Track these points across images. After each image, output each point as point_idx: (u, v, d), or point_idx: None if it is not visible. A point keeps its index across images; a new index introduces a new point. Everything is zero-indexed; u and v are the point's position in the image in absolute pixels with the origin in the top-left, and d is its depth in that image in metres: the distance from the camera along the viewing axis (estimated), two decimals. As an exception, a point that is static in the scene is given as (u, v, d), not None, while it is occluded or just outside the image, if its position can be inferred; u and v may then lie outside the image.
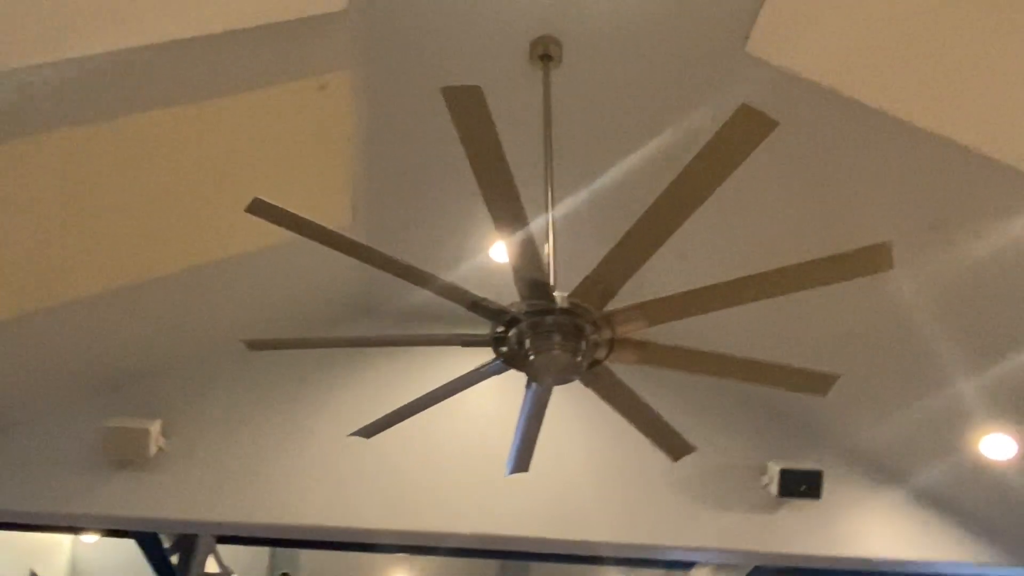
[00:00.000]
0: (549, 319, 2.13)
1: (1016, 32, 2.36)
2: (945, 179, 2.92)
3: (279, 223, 1.96)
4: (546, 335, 2.13)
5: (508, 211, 1.83)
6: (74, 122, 2.77)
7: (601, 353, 2.27)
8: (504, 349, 2.27)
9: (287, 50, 2.93)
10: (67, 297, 3.39)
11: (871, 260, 1.95)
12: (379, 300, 4.37)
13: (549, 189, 2.64)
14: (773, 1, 2.68)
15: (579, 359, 2.17)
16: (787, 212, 3.36)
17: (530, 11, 2.84)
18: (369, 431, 2.70)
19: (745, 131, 1.66)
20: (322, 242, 2.00)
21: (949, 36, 2.53)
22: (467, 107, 1.63)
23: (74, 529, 4.20)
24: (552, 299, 2.13)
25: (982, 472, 3.81)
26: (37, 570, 6.25)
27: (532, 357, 2.16)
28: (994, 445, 3.70)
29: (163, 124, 2.96)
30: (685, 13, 2.81)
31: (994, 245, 3.03)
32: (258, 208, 1.91)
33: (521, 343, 2.19)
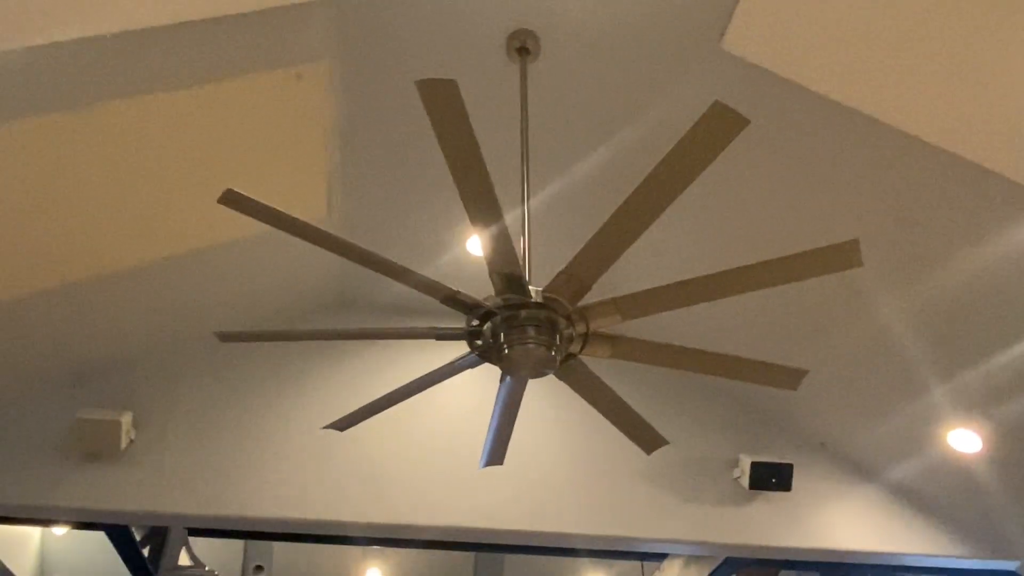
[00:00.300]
0: (523, 313, 2.14)
1: (989, 32, 2.40)
2: (915, 177, 2.96)
3: (252, 215, 1.95)
4: (520, 329, 2.14)
5: (483, 205, 1.84)
6: (46, 109, 2.73)
7: (575, 347, 2.28)
8: (479, 343, 2.27)
9: (265, 39, 2.91)
10: (37, 287, 3.35)
11: (840, 257, 1.98)
12: (355, 293, 4.36)
13: (525, 183, 2.64)
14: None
15: (553, 353, 2.17)
16: (760, 208, 3.39)
17: (508, 4, 2.85)
18: (343, 424, 2.69)
19: (717, 128, 1.68)
20: (296, 234, 1.99)
21: (922, 36, 2.56)
22: (442, 101, 1.63)
23: (44, 521, 4.14)
24: (527, 293, 2.13)
25: (950, 466, 3.88)
26: (5, 563, 6.17)
27: (506, 351, 2.16)
28: (961, 439, 3.76)
29: (138, 112, 2.92)
30: (662, 8, 2.83)
31: (962, 244, 3.08)
32: (231, 199, 1.89)
33: (496, 337, 2.19)
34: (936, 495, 4.09)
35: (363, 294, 4.32)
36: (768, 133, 3.03)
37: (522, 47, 2.96)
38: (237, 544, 7.84)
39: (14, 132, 2.69)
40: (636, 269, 3.32)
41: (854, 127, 2.86)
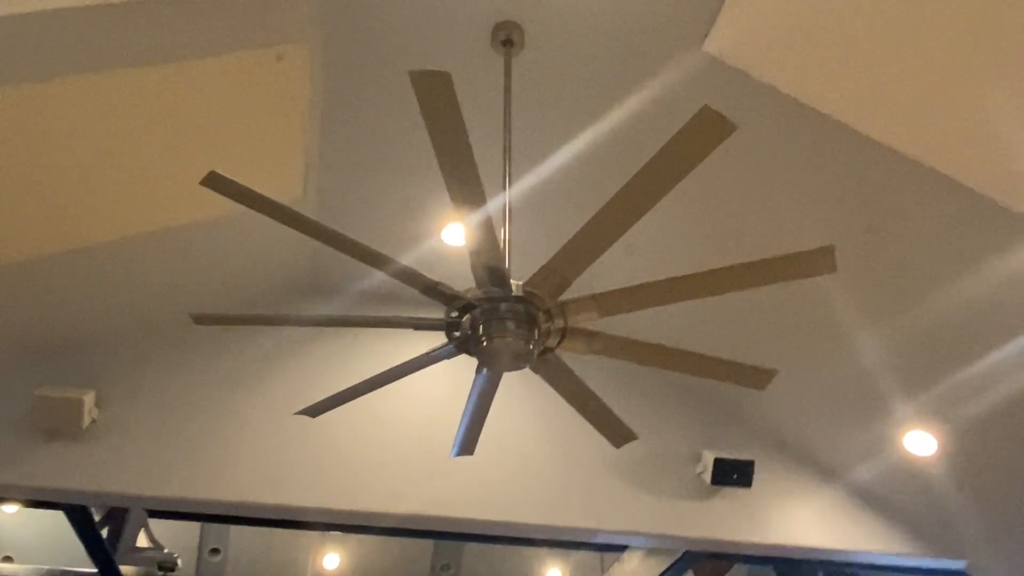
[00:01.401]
0: (504, 306, 2.16)
1: (969, 47, 2.46)
2: (886, 187, 3.03)
3: (235, 198, 1.93)
4: (500, 322, 2.16)
5: (470, 199, 1.84)
6: (17, 80, 2.67)
7: (552, 341, 2.30)
8: (457, 334, 2.28)
9: (246, 17, 2.87)
10: (2, 261, 3.27)
11: (816, 263, 2.03)
12: (328, 279, 4.33)
13: (506, 175, 2.65)
14: (734, 2, 2.73)
15: (531, 347, 2.20)
16: (735, 211, 3.44)
17: (493, -5, 2.84)
18: (315, 410, 2.69)
19: (705, 132, 1.71)
20: (279, 219, 1.98)
21: (902, 48, 2.61)
22: (435, 93, 1.63)
23: (5, 499, 4.06)
24: (508, 287, 2.15)
25: (906, 467, 3.99)
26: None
27: (485, 343, 2.18)
28: (917, 442, 3.87)
29: (115, 86, 2.87)
30: (646, 6, 2.84)
31: (928, 253, 3.17)
32: (214, 182, 1.88)
33: (475, 329, 2.21)
34: (891, 495, 4.20)
35: (337, 279, 4.29)
36: (746, 137, 3.06)
37: (507, 39, 2.96)
38: (194, 527, 7.76)
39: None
40: (610, 267, 3.35)
41: (830, 134, 2.91)
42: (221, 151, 3.32)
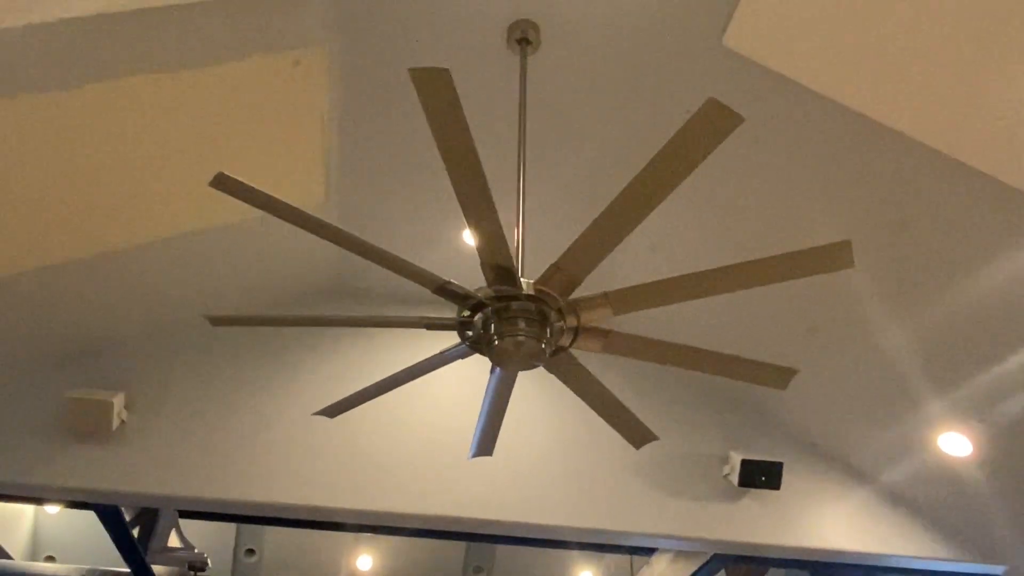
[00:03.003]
0: (514, 305, 2.14)
1: (989, 36, 2.39)
2: (910, 180, 2.95)
3: (243, 198, 1.94)
4: (511, 321, 2.14)
5: (474, 195, 1.83)
6: (41, 88, 2.72)
7: (566, 340, 2.28)
8: (469, 333, 2.27)
9: (262, 23, 2.89)
10: (32, 265, 3.35)
11: (832, 257, 1.98)
12: (350, 281, 4.36)
13: (521, 174, 2.63)
14: (751, -6, 2.69)
15: (543, 346, 2.18)
16: (755, 206, 3.38)
17: (509, -6, 2.83)
18: (333, 411, 2.69)
19: (711, 125, 1.67)
20: (286, 219, 1.98)
21: (923, 38, 2.55)
22: (435, 89, 1.62)
23: (35, 499, 4.15)
24: (518, 285, 2.13)
25: (939, 469, 3.89)
26: (-2, 539, 6.19)
27: (496, 342, 2.16)
28: (951, 443, 3.76)
29: (134, 93, 2.91)
30: (664, 2, 2.81)
31: (957, 248, 3.08)
32: (222, 183, 1.89)
33: (486, 328, 2.19)
34: (926, 497, 4.10)
35: (358, 282, 4.32)
36: (766, 131, 3.02)
37: (523, 38, 2.94)
38: (230, 528, 7.86)
39: (7, 111, 2.68)
40: (629, 265, 3.32)
41: (852, 127, 2.85)
42: (242, 157, 3.36)
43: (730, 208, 3.44)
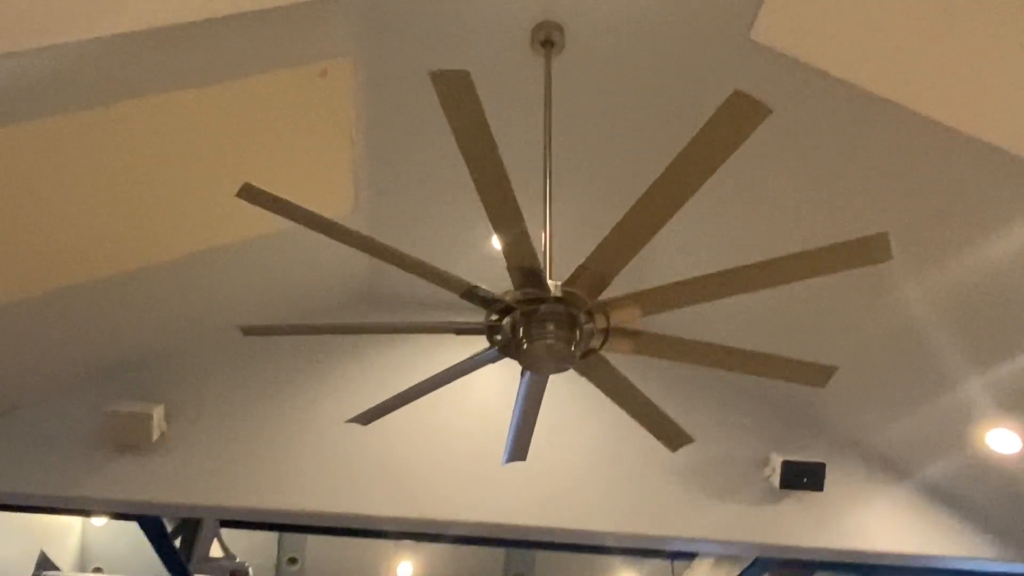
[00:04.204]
0: (542, 308, 2.12)
1: (1022, 19, 2.31)
2: (951, 170, 2.87)
3: (270, 209, 1.95)
4: (539, 324, 2.12)
5: (498, 198, 1.82)
6: (75, 108, 2.77)
7: (596, 342, 2.25)
8: (498, 337, 2.25)
9: (288, 35, 2.91)
10: (71, 281, 3.40)
11: (869, 250, 1.93)
12: (381, 288, 4.37)
13: (547, 177, 2.61)
14: (778, -14, 2.64)
15: (573, 348, 2.15)
16: (786, 201, 3.32)
17: (532, -4, 2.81)
18: (366, 418, 2.69)
19: (738, 118, 1.64)
20: (313, 228, 1.99)
21: (957, 24, 2.48)
22: (456, 92, 1.61)
23: (79, 511, 4.22)
24: (546, 287, 2.11)
25: (988, 466, 3.77)
26: (48, 552, 6.31)
27: (525, 346, 2.14)
28: (1000, 439, 3.65)
29: (163, 110, 2.95)
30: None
31: (1001, 239, 2.99)
32: (248, 194, 1.90)
33: (515, 332, 2.17)
34: (974, 496, 3.98)
35: (389, 289, 4.33)
36: (796, 124, 2.96)
37: (547, 39, 2.93)
38: (272, 536, 7.94)
39: (40, 130, 2.74)
40: (659, 264, 3.28)
41: (884, 117, 2.78)
42: (271, 169, 3.38)
43: (759, 203, 3.38)
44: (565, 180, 3.34)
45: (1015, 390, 3.42)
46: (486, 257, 3.95)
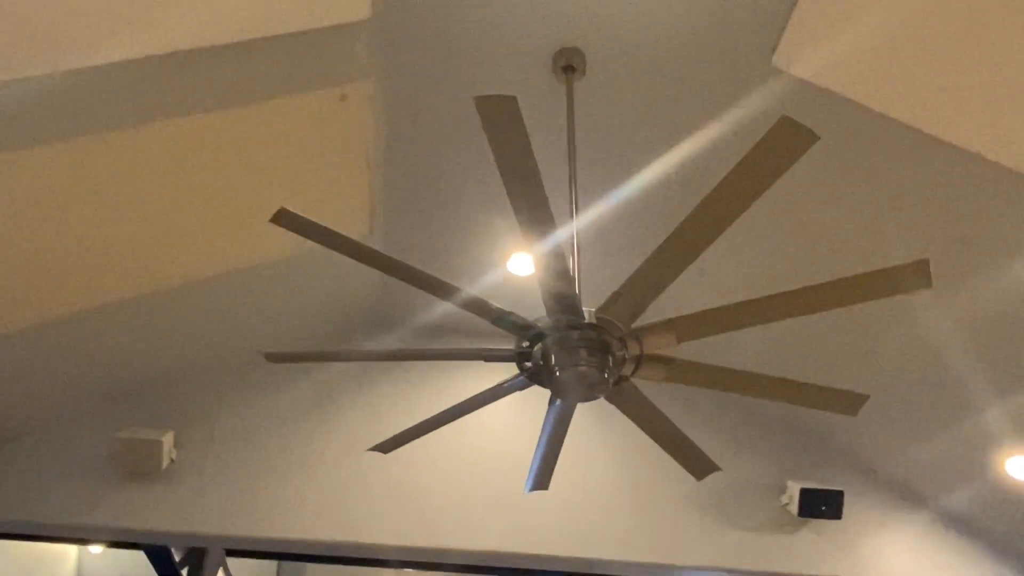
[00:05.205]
0: (576, 334, 2.09)
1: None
2: (975, 197, 2.87)
3: (304, 234, 1.92)
4: (573, 351, 2.09)
5: (538, 224, 1.79)
6: (95, 131, 2.75)
7: (628, 369, 2.22)
8: (528, 364, 2.22)
9: (308, 60, 2.91)
10: (79, 306, 3.36)
11: (909, 278, 1.91)
12: (396, 314, 4.34)
13: (573, 202, 2.60)
14: (801, 12, 2.65)
15: (606, 376, 2.12)
16: (814, 228, 3.31)
17: (553, 22, 2.81)
18: (387, 446, 2.65)
19: (785, 144, 1.62)
20: (348, 254, 1.96)
21: (979, 51, 2.48)
22: (501, 117, 1.59)
23: (83, 540, 4.14)
24: (580, 314, 2.08)
25: (1008, 494, 3.74)
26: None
27: (558, 373, 2.11)
28: (1021, 467, 3.62)
29: (181, 133, 2.93)
30: (710, 24, 2.78)
31: (1021, 261, 2.98)
32: (283, 219, 1.87)
33: (546, 359, 2.14)
34: (993, 525, 3.94)
35: (404, 315, 4.30)
36: (821, 151, 2.95)
37: (568, 65, 2.92)
38: (270, 565, 7.81)
39: (59, 152, 2.72)
40: (687, 292, 3.25)
41: (909, 143, 2.78)
42: (287, 193, 3.36)
43: (783, 231, 3.37)
44: (588, 203, 3.33)
45: (1036, 417, 3.40)
46: (502, 280, 3.93)
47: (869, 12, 2.58)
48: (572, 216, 2.57)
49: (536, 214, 1.77)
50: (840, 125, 2.86)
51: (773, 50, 2.79)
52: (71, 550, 7.27)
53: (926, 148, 2.77)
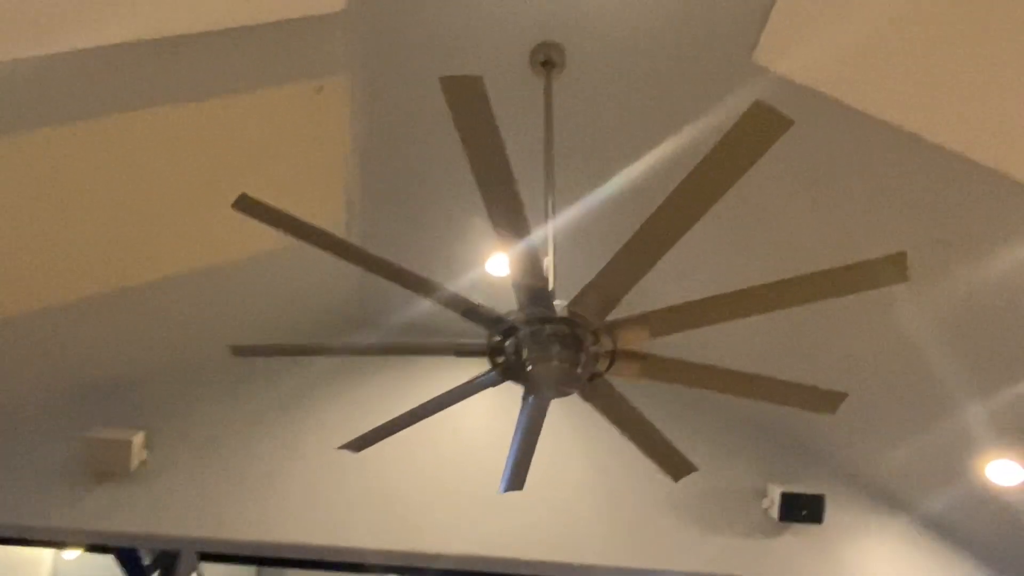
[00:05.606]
0: (548, 328, 2.04)
1: (1034, 40, 2.30)
2: (953, 195, 2.84)
3: (267, 222, 1.87)
4: (544, 345, 2.04)
5: (507, 210, 1.74)
6: (59, 120, 2.69)
7: (602, 365, 2.17)
8: (500, 359, 2.17)
9: (284, 51, 2.86)
10: (46, 303, 3.29)
11: (885, 271, 1.87)
12: (372, 312, 4.29)
13: (550, 197, 2.55)
14: (782, 9, 2.62)
15: (579, 371, 2.07)
16: (791, 226, 3.28)
17: (532, 16, 2.78)
18: (358, 445, 2.59)
19: (758, 130, 1.58)
20: (312, 243, 1.90)
21: (961, 50, 2.46)
22: (467, 98, 1.55)
23: (54, 544, 4.05)
24: (552, 307, 2.03)
25: (988, 498, 3.71)
26: (16, 586, 6.08)
27: (530, 368, 2.06)
28: (1001, 471, 3.60)
29: (153, 124, 2.88)
30: (691, 20, 2.75)
31: (1002, 266, 2.96)
32: (245, 205, 1.82)
33: (518, 353, 2.09)
34: (974, 528, 3.92)
35: (380, 314, 4.24)
36: (798, 147, 2.93)
37: (547, 60, 2.89)
38: (249, 570, 7.71)
39: (24, 143, 2.65)
40: (659, 288, 3.21)
41: (886, 141, 2.76)
42: (263, 186, 3.29)
43: (758, 226, 3.34)
44: (565, 199, 3.29)
45: (1015, 422, 3.37)
46: (479, 280, 3.88)
47: (850, 8, 2.56)
48: (549, 210, 2.53)
49: (505, 200, 1.72)
50: (818, 121, 2.84)
51: (754, 46, 2.76)
52: (46, 555, 7.13)
53: (906, 146, 2.74)
